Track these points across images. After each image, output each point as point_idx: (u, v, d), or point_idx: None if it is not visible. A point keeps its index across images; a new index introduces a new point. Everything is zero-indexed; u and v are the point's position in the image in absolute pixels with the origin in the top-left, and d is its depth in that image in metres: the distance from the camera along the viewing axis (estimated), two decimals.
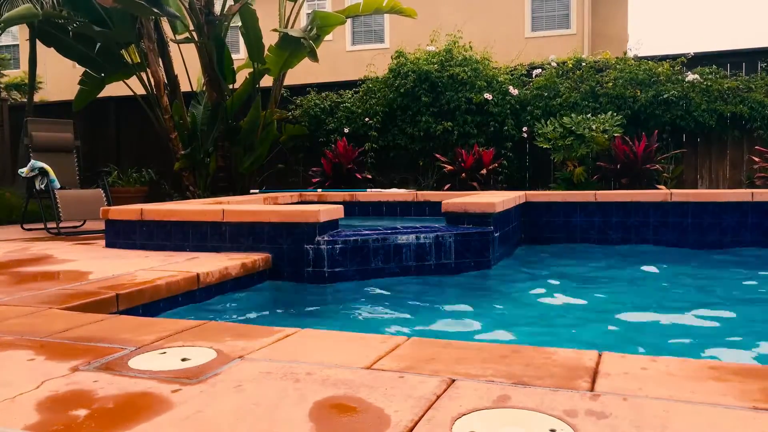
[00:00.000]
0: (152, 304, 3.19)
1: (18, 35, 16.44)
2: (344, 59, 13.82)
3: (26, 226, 6.83)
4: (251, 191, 8.35)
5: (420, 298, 3.98)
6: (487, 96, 8.29)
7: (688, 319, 3.45)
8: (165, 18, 8.07)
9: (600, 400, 1.53)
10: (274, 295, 4.00)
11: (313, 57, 7.67)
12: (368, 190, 7.60)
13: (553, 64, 8.46)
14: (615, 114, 7.55)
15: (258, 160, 8.72)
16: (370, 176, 8.62)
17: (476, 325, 3.36)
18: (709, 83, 7.68)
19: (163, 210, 4.70)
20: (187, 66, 8.72)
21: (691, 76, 7.73)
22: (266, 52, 8.06)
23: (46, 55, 9.84)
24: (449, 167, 8.05)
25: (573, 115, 7.63)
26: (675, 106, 7.73)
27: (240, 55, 12.13)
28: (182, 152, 8.31)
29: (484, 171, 7.79)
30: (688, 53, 8.04)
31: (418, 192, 7.03)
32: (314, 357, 1.93)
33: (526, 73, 8.70)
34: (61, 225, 6.34)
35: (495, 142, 8.39)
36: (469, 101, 8.36)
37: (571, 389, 1.61)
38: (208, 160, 8.58)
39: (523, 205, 5.94)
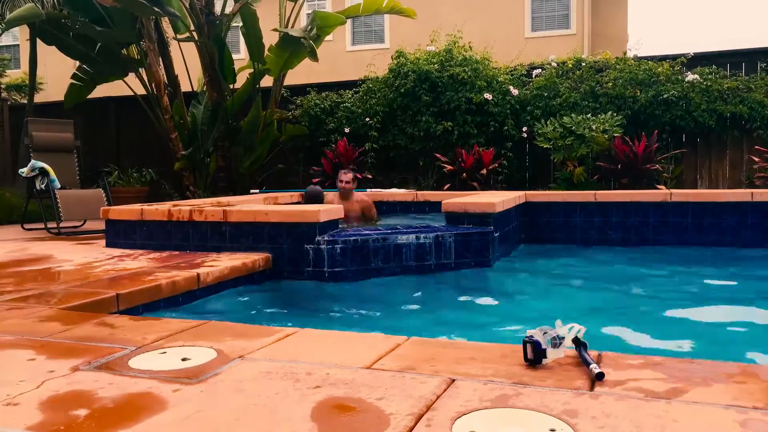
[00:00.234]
0: (152, 303, 3.19)
1: (18, 35, 16.43)
2: (344, 59, 13.82)
3: (26, 226, 6.83)
4: (251, 191, 8.35)
5: (420, 298, 3.98)
6: (487, 96, 8.29)
7: (689, 318, 3.45)
8: (165, 18, 8.07)
9: (600, 399, 1.54)
10: (275, 294, 4.00)
11: (314, 57, 7.67)
12: (368, 190, 7.60)
13: (553, 64, 8.46)
14: (615, 114, 7.55)
15: (258, 160, 8.73)
16: (370, 176, 8.62)
17: (476, 324, 3.37)
18: (708, 83, 7.68)
19: (162, 210, 4.70)
20: (188, 66, 8.73)
21: (690, 77, 7.73)
22: (266, 52, 8.06)
23: (47, 55, 9.85)
24: (449, 167, 8.06)
25: (573, 115, 7.63)
26: (675, 106, 7.73)
27: (240, 55, 12.13)
28: (182, 152, 8.31)
29: (484, 171, 7.79)
30: (688, 53, 8.04)
31: (418, 192, 7.03)
32: (314, 357, 1.93)
33: (526, 73, 8.70)
34: (61, 225, 6.34)
35: (495, 142, 8.39)
36: (469, 101, 8.36)
37: (571, 389, 1.61)
38: (208, 160, 8.58)
39: (523, 205, 5.94)
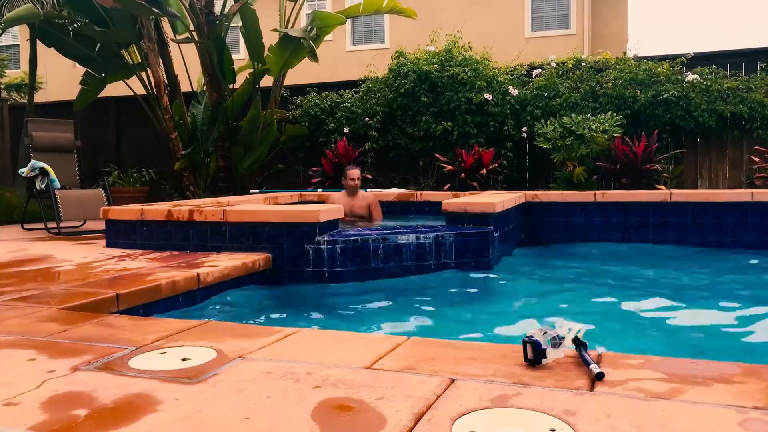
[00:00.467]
0: (152, 304, 3.19)
1: (18, 35, 16.43)
2: (344, 59, 13.82)
3: (26, 226, 6.83)
4: (251, 191, 8.35)
5: (420, 298, 3.98)
6: (487, 96, 8.29)
7: (689, 318, 3.46)
8: (165, 18, 8.07)
9: (600, 399, 1.54)
10: (275, 295, 4.00)
11: (313, 57, 7.67)
12: (368, 190, 7.61)
13: (553, 64, 8.46)
14: (615, 114, 7.55)
15: (258, 160, 8.73)
16: (370, 176, 8.62)
17: (476, 324, 3.37)
18: (708, 83, 7.68)
19: (162, 210, 4.70)
20: (188, 66, 8.72)
21: (690, 76, 7.73)
22: (266, 52, 8.06)
23: (47, 55, 9.84)
24: (449, 167, 8.06)
25: (573, 115, 7.63)
26: (675, 106, 7.73)
27: (240, 55, 12.13)
28: (182, 152, 8.31)
29: (484, 171, 7.79)
30: (687, 53, 8.04)
31: (418, 192, 7.04)
32: (314, 357, 1.93)
33: (526, 73, 8.70)
34: (61, 225, 6.34)
35: (495, 142, 8.39)
36: (469, 101, 8.36)
37: (571, 389, 1.61)
38: (208, 160, 8.58)
39: (523, 205, 5.94)
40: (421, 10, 9.10)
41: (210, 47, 8.13)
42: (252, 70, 8.62)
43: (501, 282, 4.42)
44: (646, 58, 8.26)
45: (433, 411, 1.48)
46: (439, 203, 5.04)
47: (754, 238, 5.48)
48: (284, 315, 3.70)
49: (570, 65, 8.39)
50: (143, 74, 8.55)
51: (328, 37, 10.96)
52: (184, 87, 8.87)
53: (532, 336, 1.82)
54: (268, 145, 8.75)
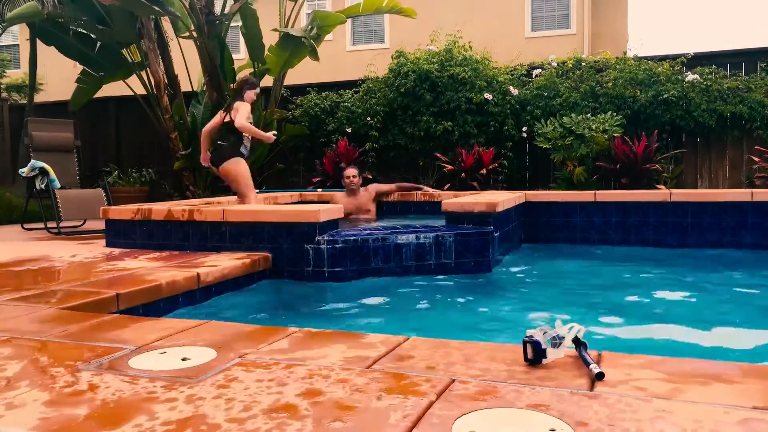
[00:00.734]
0: (152, 303, 3.19)
1: (18, 35, 16.43)
2: (344, 59, 13.82)
3: (26, 226, 6.83)
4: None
5: (420, 298, 3.98)
6: (487, 96, 8.29)
7: (689, 318, 3.45)
8: (165, 17, 8.07)
9: (600, 399, 1.54)
10: (275, 294, 4.01)
11: (314, 56, 7.67)
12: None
13: (553, 64, 8.46)
14: (615, 114, 7.55)
15: (258, 160, 8.72)
16: (370, 176, 8.62)
17: (476, 324, 3.37)
18: (708, 83, 7.68)
19: (162, 210, 4.70)
20: (188, 66, 8.73)
21: (690, 76, 7.73)
22: (267, 51, 8.07)
23: (47, 55, 9.84)
24: (449, 167, 8.06)
25: (573, 115, 7.63)
26: (675, 106, 7.73)
27: (240, 54, 12.13)
28: (182, 152, 8.31)
29: (484, 171, 7.79)
30: (688, 53, 8.04)
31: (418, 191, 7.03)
32: (314, 356, 1.93)
33: (526, 73, 8.70)
34: (61, 225, 6.34)
35: (495, 142, 8.39)
36: (469, 101, 8.36)
37: (571, 389, 1.61)
38: None
39: (523, 205, 5.94)
40: (421, 10, 9.10)
41: (210, 47, 8.13)
42: (252, 69, 8.62)
43: (501, 282, 4.42)
44: (646, 58, 8.26)
45: (433, 411, 1.48)
46: (439, 203, 5.04)
47: (754, 238, 5.48)
48: (284, 315, 3.70)
49: (570, 65, 8.39)
50: (143, 74, 8.55)
51: (328, 37, 10.96)
52: (184, 87, 8.87)
53: (532, 336, 1.82)
54: (268, 145, 8.75)
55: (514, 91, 8.33)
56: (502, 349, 1.98)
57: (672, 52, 8.22)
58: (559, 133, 7.40)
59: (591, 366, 1.71)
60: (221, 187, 8.53)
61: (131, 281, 3.30)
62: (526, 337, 1.83)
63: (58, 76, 13.97)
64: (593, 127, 7.27)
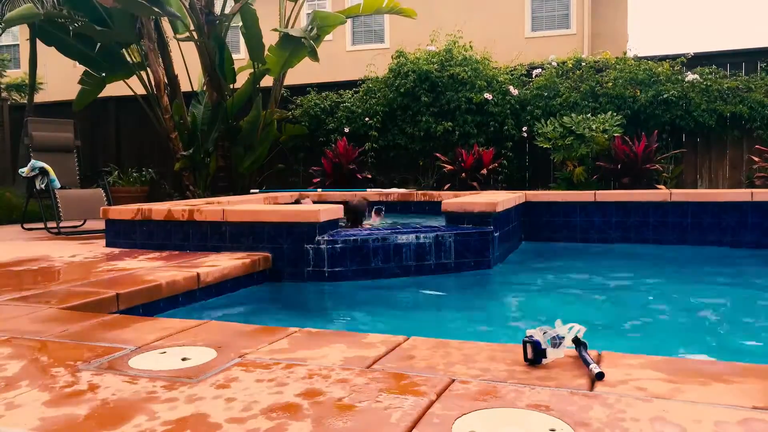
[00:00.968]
0: (152, 303, 3.19)
1: (18, 35, 16.43)
2: (344, 59, 13.82)
3: (26, 226, 6.83)
4: (251, 191, 8.35)
5: (420, 298, 3.98)
6: (487, 96, 8.29)
7: (689, 317, 3.46)
8: (165, 18, 8.07)
9: (600, 399, 1.54)
10: (274, 294, 4.01)
11: (314, 57, 7.67)
12: (368, 189, 7.61)
13: (553, 64, 8.46)
14: (615, 114, 7.55)
15: (258, 160, 8.73)
16: (370, 176, 8.62)
17: (476, 324, 3.37)
18: (708, 83, 7.68)
19: (162, 210, 4.70)
20: (188, 66, 8.73)
21: (690, 76, 7.73)
22: (266, 52, 8.06)
23: (47, 55, 9.85)
24: (449, 167, 8.06)
25: (573, 115, 7.63)
26: (675, 106, 7.73)
27: (240, 55, 12.14)
28: (182, 152, 8.31)
29: (484, 171, 7.79)
30: (687, 53, 8.04)
31: (418, 192, 7.04)
32: (314, 356, 1.93)
33: (526, 73, 8.70)
34: (61, 225, 6.34)
35: (495, 141, 8.39)
36: (469, 101, 8.36)
37: (571, 389, 1.61)
38: (208, 160, 8.58)
39: (523, 204, 5.94)
40: (421, 10, 9.10)
41: (210, 47, 8.13)
42: (252, 70, 8.62)
43: (501, 282, 4.43)
44: (646, 58, 8.26)
45: (433, 411, 1.48)
46: (439, 203, 5.04)
47: (754, 238, 5.48)
48: (284, 314, 3.70)
49: (570, 65, 8.39)
50: (143, 74, 8.55)
51: (328, 37, 10.97)
52: (184, 87, 8.87)
53: (531, 336, 1.82)
54: (268, 145, 8.75)
55: (514, 91, 8.33)
56: (502, 349, 1.98)
57: (672, 52, 8.23)
58: (559, 133, 7.40)
59: (591, 366, 1.71)
60: (221, 187, 8.54)
61: (131, 281, 3.30)
62: (526, 337, 1.83)
63: (58, 76, 13.98)
64: (593, 127, 7.27)
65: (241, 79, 9.04)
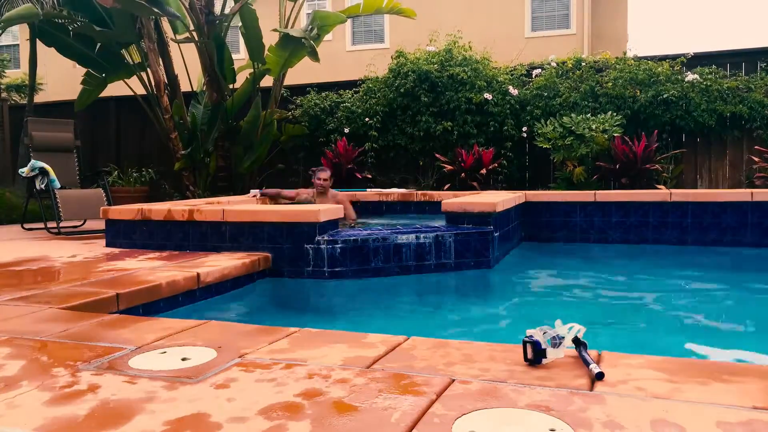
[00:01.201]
0: (152, 303, 3.19)
1: (18, 35, 16.43)
2: (344, 59, 13.82)
3: (26, 226, 6.83)
4: (251, 191, 8.35)
5: (420, 298, 3.99)
6: (487, 96, 8.29)
7: (689, 317, 3.46)
8: (165, 18, 8.07)
9: (600, 399, 1.54)
10: (274, 294, 4.01)
11: (314, 57, 7.67)
12: (368, 189, 7.61)
13: (553, 64, 8.46)
14: (615, 114, 7.55)
15: (258, 160, 8.73)
16: (370, 176, 8.62)
17: (476, 324, 3.37)
18: (708, 83, 7.68)
19: (162, 210, 4.70)
20: (187, 66, 8.72)
21: (690, 76, 7.72)
22: (266, 52, 8.06)
23: (47, 55, 9.84)
24: (449, 167, 8.06)
25: (573, 115, 7.63)
26: (675, 106, 7.72)
27: (240, 55, 12.13)
28: (182, 152, 8.31)
29: (483, 171, 7.79)
30: (687, 53, 8.04)
31: (418, 192, 7.04)
32: (314, 356, 1.93)
33: (525, 73, 8.70)
34: (61, 225, 6.34)
35: (495, 142, 8.39)
36: (469, 101, 8.36)
37: (571, 389, 1.61)
38: (208, 160, 8.58)
39: (523, 204, 5.94)
40: (421, 10, 9.09)
41: (210, 47, 8.13)
42: (252, 70, 8.62)
43: (501, 282, 4.43)
44: (646, 58, 8.25)
45: (433, 411, 1.48)
46: (439, 203, 5.04)
47: (754, 237, 5.48)
48: (284, 314, 3.70)
49: (570, 65, 8.39)
50: (143, 74, 8.55)
51: (328, 37, 10.97)
52: (184, 87, 8.87)
53: (531, 336, 1.82)
54: (268, 145, 8.75)
55: (514, 91, 8.33)
56: (502, 349, 1.98)
57: (672, 52, 8.22)
58: (559, 133, 7.40)
59: (591, 366, 1.71)
60: (221, 187, 8.54)
61: (131, 281, 3.30)
62: (526, 337, 1.83)
63: (58, 76, 13.98)
64: (593, 127, 7.27)
65: (241, 79, 9.04)
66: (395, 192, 7.13)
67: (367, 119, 8.82)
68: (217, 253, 4.26)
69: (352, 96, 9.21)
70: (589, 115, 7.64)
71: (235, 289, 3.82)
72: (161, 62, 8.41)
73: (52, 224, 6.41)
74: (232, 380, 1.73)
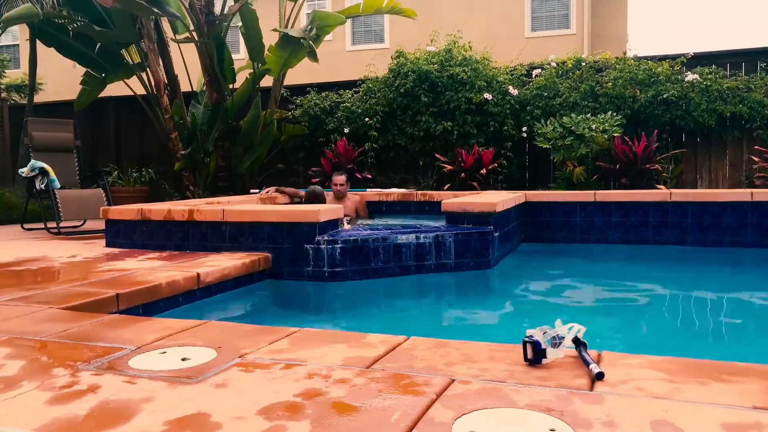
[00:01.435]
0: (152, 303, 3.19)
1: (18, 35, 16.43)
2: (344, 59, 13.82)
3: (26, 226, 6.83)
4: (251, 191, 8.35)
5: (420, 298, 3.99)
6: (487, 96, 8.29)
7: (689, 318, 3.46)
8: (165, 18, 8.07)
9: (600, 399, 1.54)
10: (274, 294, 4.01)
11: (313, 57, 7.67)
12: (368, 189, 7.61)
13: (553, 64, 8.46)
14: (615, 114, 7.55)
15: (258, 160, 8.72)
16: (370, 176, 8.62)
17: (476, 324, 3.37)
18: (708, 83, 7.67)
19: (162, 210, 4.70)
20: (187, 66, 8.72)
21: (690, 76, 7.72)
22: (266, 52, 8.06)
23: (46, 55, 9.84)
24: (449, 167, 8.05)
25: (573, 115, 7.63)
26: (674, 106, 7.72)
27: (240, 55, 12.13)
28: (182, 152, 8.31)
29: (483, 171, 7.79)
30: (687, 53, 8.04)
31: (418, 191, 7.04)
32: (314, 357, 1.93)
33: (525, 73, 8.69)
34: (61, 225, 6.34)
35: (495, 142, 8.39)
36: (468, 101, 8.36)
37: (571, 389, 1.61)
38: (208, 160, 8.58)
39: (523, 204, 5.94)
40: (421, 10, 9.09)
41: (210, 47, 8.13)
42: (252, 70, 8.62)
43: (501, 282, 4.43)
44: (645, 57, 8.25)
45: (433, 411, 1.48)
46: (438, 203, 5.04)
47: (754, 237, 5.48)
48: (284, 315, 3.71)
49: (570, 65, 8.38)
50: (143, 74, 8.55)
51: (328, 37, 10.96)
52: (184, 87, 8.86)
53: (531, 336, 1.82)
54: (268, 145, 8.75)
55: (514, 91, 8.33)
56: (502, 349, 1.98)
57: (672, 52, 8.22)
58: (559, 133, 7.40)
59: (591, 366, 1.71)
60: (221, 187, 8.53)
61: (131, 281, 3.30)
62: (526, 337, 1.83)
63: (58, 76, 13.98)
64: (593, 127, 7.27)
65: (241, 79, 9.04)
66: (395, 192, 7.13)
67: (367, 119, 8.82)
68: (217, 253, 4.26)
69: (352, 96, 9.21)
70: (589, 115, 7.64)
71: (235, 289, 3.82)
72: (161, 62, 8.40)
73: (52, 224, 6.41)
74: (232, 380, 1.73)
